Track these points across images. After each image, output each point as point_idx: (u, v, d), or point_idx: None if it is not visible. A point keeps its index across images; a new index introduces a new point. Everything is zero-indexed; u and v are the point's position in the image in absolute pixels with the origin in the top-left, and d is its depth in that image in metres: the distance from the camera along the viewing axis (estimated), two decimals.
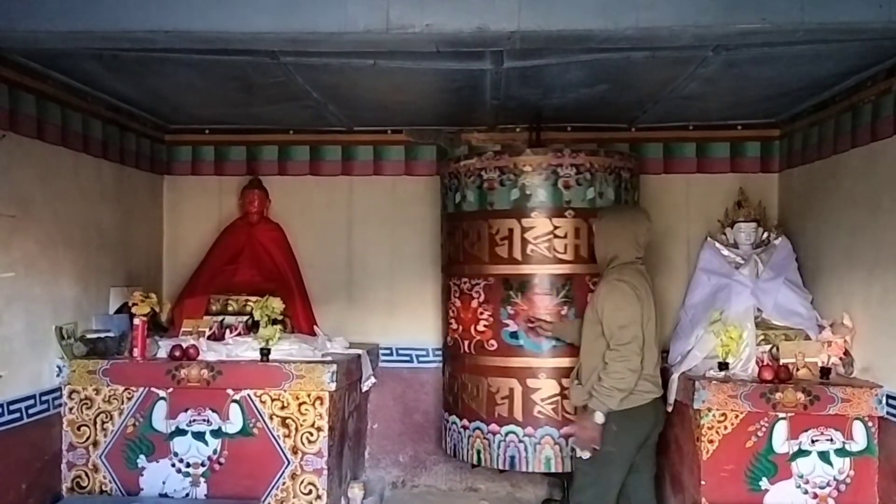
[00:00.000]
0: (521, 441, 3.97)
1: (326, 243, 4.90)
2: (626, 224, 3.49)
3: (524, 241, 3.96)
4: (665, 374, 3.78)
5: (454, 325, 4.21)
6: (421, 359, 4.85)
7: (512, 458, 3.99)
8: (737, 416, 3.58)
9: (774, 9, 2.42)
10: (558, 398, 3.93)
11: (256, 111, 4.42)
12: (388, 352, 4.87)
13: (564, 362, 3.89)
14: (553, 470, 3.98)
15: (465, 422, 4.15)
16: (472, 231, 4.10)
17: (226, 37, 2.64)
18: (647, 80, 3.68)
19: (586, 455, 3.31)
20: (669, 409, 3.79)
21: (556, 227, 3.95)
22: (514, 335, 4.00)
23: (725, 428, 3.58)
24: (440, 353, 4.57)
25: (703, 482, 3.57)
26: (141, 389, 3.81)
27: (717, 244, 4.30)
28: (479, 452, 4.09)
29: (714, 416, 3.57)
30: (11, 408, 3.41)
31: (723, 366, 3.70)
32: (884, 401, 3.46)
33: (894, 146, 3.39)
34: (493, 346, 4.03)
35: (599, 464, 3.31)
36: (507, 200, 3.99)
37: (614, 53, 3.14)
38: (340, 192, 4.92)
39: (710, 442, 3.57)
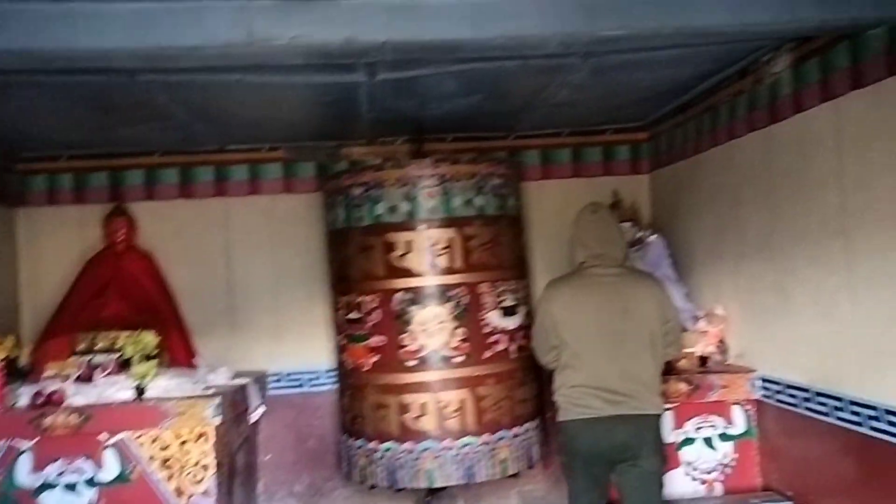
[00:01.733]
0: None
1: (203, 269, 4.66)
2: (574, 227, 3.22)
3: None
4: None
5: None
6: (312, 382, 4.70)
7: None
8: None
9: (634, 15, 2.49)
10: None
11: (118, 134, 4.16)
12: (276, 378, 4.68)
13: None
14: None
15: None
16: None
17: (71, 55, 2.42)
18: (520, 89, 3.74)
19: None
20: None
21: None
22: None
23: None
24: (333, 375, 4.45)
25: None
26: (0, 443, 3.46)
27: None
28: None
29: None
30: None
31: None
32: (758, 384, 3.66)
33: (750, 144, 3.61)
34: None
35: (565, 476, 3.16)
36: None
37: (487, 63, 3.16)
38: (215, 214, 4.70)
39: None
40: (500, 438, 3.91)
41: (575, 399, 2.97)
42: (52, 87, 3.18)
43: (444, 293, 3.87)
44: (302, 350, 4.67)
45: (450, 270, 3.90)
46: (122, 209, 4.54)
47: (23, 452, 3.46)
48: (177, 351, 4.28)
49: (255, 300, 4.70)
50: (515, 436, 3.96)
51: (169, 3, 2.37)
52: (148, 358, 3.67)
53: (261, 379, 4.49)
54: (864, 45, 2.75)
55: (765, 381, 3.62)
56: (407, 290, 3.88)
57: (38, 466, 3.46)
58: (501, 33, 2.48)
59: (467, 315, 3.89)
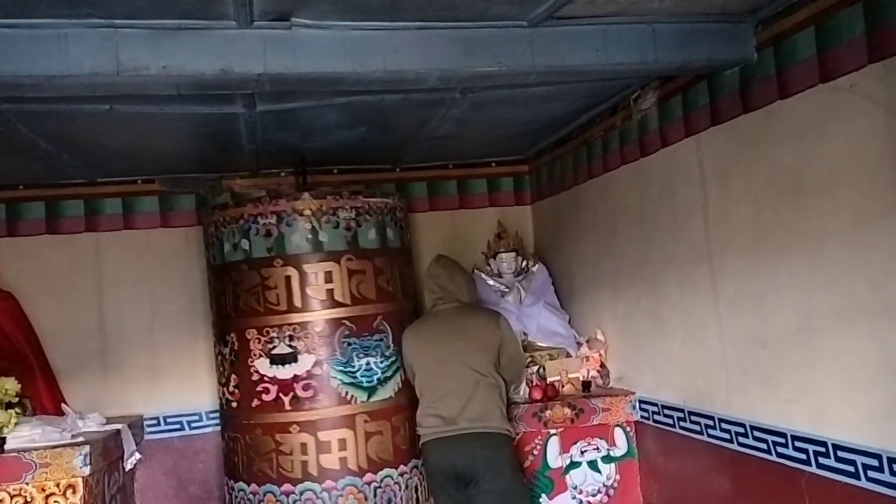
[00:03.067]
0: None
1: (72, 309, 4.37)
2: (424, 279, 3.68)
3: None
4: None
5: None
6: (193, 425, 4.47)
7: None
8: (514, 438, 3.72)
9: (508, 53, 2.58)
10: None
11: None
12: (154, 422, 4.42)
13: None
14: None
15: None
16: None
17: None
18: (403, 122, 3.77)
19: None
20: None
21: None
22: None
23: None
24: (215, 416, 4.26)
25: None
26: None
27: (483, 275, 4.50)
28: None
29: None
30: None
31: None
32: (637, 406, 3.80)
33: (623, 176, 3.79)
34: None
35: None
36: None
37: (368, 96, 3.18)
38: (86, 250, 4.43)
39: None
40: (267, 492, 3.70)
41: (424, 423, 3.32)
42: None
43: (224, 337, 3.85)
44: (182, 391, 4.45)
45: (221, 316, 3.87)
46: None
47: None
48: (42, 397, 3.99)
49: (131, 341, 4.45)
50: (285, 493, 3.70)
51: (29, 29, 2.24)
52: (8, 406, 3.42)
53: (136, 423, 4.23)
54: (720, 84, 2.96)
55: (643, 402, 3.77)
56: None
57: None
58: (381, 67, 2.50)
59: (239, 361, 3.79)
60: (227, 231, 3.81)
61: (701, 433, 3.26)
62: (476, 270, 4.56)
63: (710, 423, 3.18)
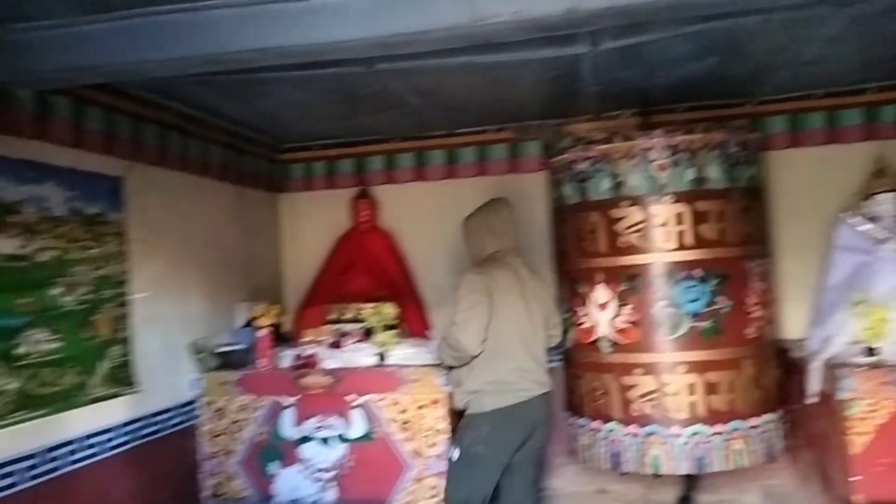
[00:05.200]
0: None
1: (436, 247, 4.91)
2: (482, 217, 3.31)
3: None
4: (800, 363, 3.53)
5: None
6: None
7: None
8: (893, 405, 3.25)
9: None
10: None
11: (361, 123, 4.52)
12: None
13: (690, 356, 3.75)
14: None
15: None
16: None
17: (315, 49, 2.67)
18: (761, 48, 3.43)
19: (456, 455, 3.07)
20: (813, 399, 3.52)
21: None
22: None
23: (878, 419, 3.26)
24: (559, 353, 4.45)
25: (854, 478, 3.26)
26: (269, 398, 3.96)
27: (854, 219, 3.92)
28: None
29: (863, 406, 3.25)
30: (154, 420, 3.64)
31: (870, 351, 3.37)
32: None
33: None
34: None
35: (468, 465, 3.02)
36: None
37: (722, 21, 2.94)
38: (447, 195, 4.91)
39: (861, 434, 3.26)
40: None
41: (512, 384, 3.04)
42: (303, 81, 3.53)
43: (677, 272, 3.74)
44: None
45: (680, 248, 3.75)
46: (366, 192, 4.97)
47: (287, 407, 3.93)
48: (413, 322, 4.59)
49: None
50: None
51: None
52: (388, 328, 3.98)
53: None
54: None
55: None
56: (629, 267, 3.80)
57: (299, 420, 3.92)
58: None
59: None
60: (691, 159, 3.79)
61: None
62: (845, 214, 4.00)
63: None
